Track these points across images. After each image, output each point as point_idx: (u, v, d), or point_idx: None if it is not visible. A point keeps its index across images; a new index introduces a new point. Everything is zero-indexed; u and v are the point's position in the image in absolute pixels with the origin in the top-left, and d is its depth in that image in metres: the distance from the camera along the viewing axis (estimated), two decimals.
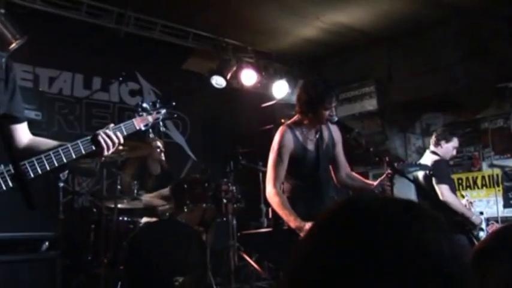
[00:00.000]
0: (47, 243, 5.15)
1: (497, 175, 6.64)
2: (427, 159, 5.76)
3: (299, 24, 6.93)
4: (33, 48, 5.67)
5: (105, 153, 2.67)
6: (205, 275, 5.37)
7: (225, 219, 6.00)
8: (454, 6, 6.31)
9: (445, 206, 5.41)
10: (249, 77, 7.39)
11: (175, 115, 3.52)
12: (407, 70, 7.30)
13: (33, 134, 2.77)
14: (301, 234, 3.71)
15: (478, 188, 6.83)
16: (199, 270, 5.31)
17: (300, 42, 7.51)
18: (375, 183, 4.12)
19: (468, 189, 6.93)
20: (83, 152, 2.60)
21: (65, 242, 5.31)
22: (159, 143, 6.41)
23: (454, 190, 5.73)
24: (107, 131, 2.67)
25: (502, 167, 6.57)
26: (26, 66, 6.55)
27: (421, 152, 7.35)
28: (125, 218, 5.68)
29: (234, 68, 7.30)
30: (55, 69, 6.88)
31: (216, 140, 8.10)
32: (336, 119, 4.56)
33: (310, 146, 4.10)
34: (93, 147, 2.63)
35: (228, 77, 7.18)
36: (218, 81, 7.14)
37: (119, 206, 5.59)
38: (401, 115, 6.98)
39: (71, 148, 2.56)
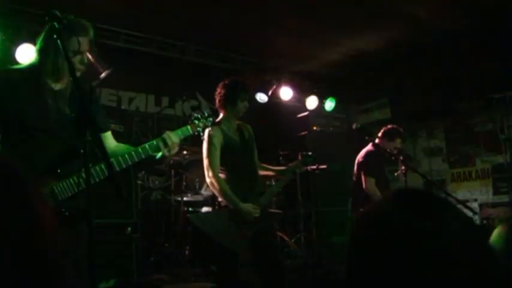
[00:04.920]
0: (129, 228, 5.23)
1: (488, 169, 6.60)
2: (364, 149, 5.20)
3: (325, 50, 6.90)
4: (117, 76, 5.45)
5: (167, 152, 2.72)
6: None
7: None
8: (449, 33, 6.26)
9: (368, 198, 4.89)
10: (286, 93, 7.40)
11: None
12: (413, 85, 7.21)
13: (117, 142, 2.97)
14: (242, 215, 3.70)
15: (473, 179, 6.77)
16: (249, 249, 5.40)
17: (326, 64, 7.44)
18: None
19: (465, 180, 6.86)
20: (150, 152, 2.68)
21: (143, 227, 5.38)
22: None
23: (385, 182, 5.10)
24: (171, 134, 2.76)
25: (491, 162, 6.52)
26: (112, 90, 6.72)
27: (427, 152, 7.33)
28: (189, 208, 5.72)
29: (274, 86, 7.32)
30: (133, 91, 7.01)
31: (261, 145, 8.08)
32: (359, 125, 4.72)
33: (235, 137, 3.99)
34: (160, 147, 2.70)
35: (269, 93, 7.21)
36: (261, 97, 7.18)
37: (184, 199, 5.66)
38: (409, 121, 6.98)
39: (140, 150, 2.67)
